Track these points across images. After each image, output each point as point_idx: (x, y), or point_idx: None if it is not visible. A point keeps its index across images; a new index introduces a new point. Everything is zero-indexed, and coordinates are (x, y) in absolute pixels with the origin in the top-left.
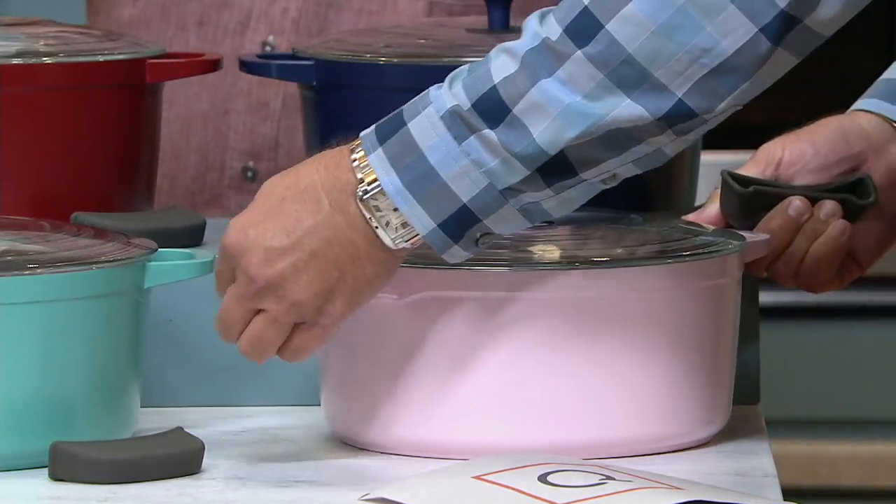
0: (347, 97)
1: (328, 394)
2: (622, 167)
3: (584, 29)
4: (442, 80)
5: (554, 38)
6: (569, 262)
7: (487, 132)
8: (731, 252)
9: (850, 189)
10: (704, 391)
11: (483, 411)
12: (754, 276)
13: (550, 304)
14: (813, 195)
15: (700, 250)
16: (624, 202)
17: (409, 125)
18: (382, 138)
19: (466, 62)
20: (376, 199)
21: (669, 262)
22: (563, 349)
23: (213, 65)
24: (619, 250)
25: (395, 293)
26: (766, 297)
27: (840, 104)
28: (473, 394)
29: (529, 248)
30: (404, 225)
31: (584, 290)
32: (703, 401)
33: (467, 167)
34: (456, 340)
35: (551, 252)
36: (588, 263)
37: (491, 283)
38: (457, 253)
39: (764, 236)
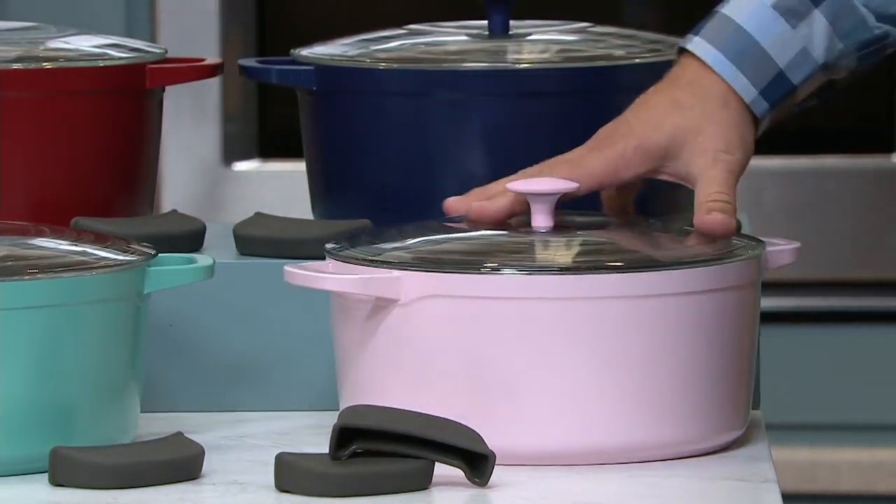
0: (347, 103)
1: (346, 400)
2: None
3: None
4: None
5: None
6: (586, 267)
7: None
8: (752, 257)
9: None
10: (725, 396)
11: (500, 416)
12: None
13: (567, 308)
14: None
15: (720, 255)
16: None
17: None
18: (696, 31)
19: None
20: None
21: (689, 267)
22: (581, 354)
23: (214, 69)
24: (637, 254)
25: (412, 297)
26: (766, 302)
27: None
28: (490, 398)
29: (546, 253)
30: None
31: (602, 294)
32: (724, 406)
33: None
34: (472, 345)
35: (567, 257)
36: (606, 268)
37: (508, 287)
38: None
39: (795, 243)
